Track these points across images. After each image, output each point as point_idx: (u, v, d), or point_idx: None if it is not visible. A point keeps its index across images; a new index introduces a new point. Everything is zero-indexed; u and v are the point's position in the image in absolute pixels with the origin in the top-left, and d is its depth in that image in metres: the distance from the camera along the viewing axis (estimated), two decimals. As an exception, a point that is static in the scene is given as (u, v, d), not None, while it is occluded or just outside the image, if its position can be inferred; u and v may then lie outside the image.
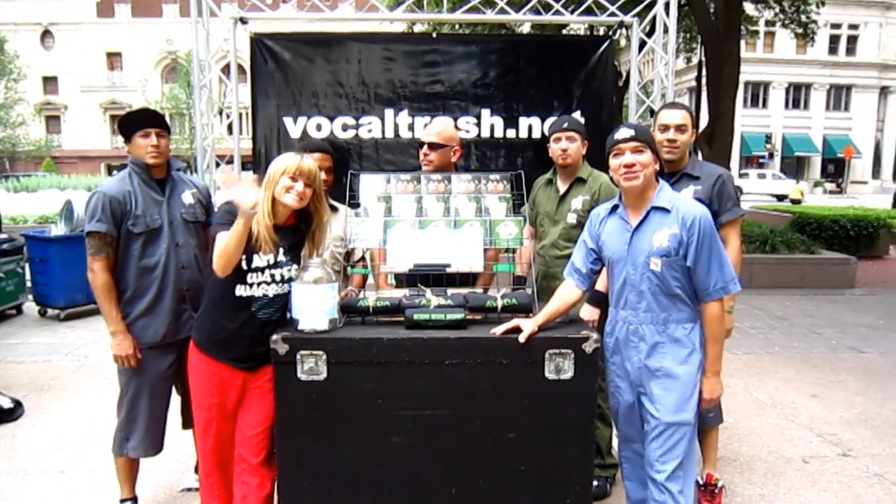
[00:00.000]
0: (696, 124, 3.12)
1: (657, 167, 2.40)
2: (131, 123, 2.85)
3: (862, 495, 3.43)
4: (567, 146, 3.21)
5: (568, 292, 2.57)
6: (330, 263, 2.90)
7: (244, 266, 2.40)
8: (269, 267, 2.44)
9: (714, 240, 2.34)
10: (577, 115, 4.13)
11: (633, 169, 2.33)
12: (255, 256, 2.41)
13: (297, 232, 2.55)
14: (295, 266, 2.51)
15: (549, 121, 4.22)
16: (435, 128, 3.24)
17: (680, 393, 2.38)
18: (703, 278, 2.34)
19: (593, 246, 2.57)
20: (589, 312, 3.03)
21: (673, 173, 3.05)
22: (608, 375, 2.63)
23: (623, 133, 2.37)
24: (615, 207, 2.51)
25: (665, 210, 2.36)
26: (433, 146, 3.16)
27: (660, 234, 2.34)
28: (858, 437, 4.15)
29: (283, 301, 2.51)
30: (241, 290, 2.42)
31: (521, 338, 2.34)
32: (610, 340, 2.57)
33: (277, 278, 2.47)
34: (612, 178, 2.55)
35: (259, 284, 2.44)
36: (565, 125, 3.24)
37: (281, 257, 2.46)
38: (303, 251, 2.56)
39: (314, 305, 2.38)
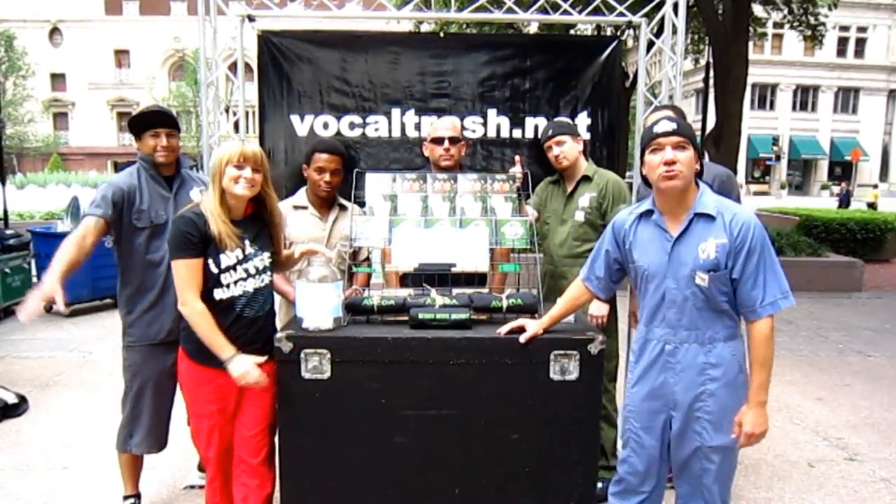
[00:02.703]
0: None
1: (698, 167, 2.12)
2: (142, 123, 2.85)
3: (868, 500, 3.40)
4: (559, 151, 3.23)
5: (578, 296, 2.47)
6: (336, 263, 2.90)
7: (214, 269, 2.33)
8: (240, 262, 2.37)
9: (767, 248, 2.06)
10: (583, 115, 4.12)
11: (674, 168, 2.03)
12: (223, 256, 2.33)
13: (259, 220, 2.48)
14: (266, 254, 2.45)
15: (554, 122, 4.22)
16: (448, 123, 3.31)
17: (729, 415, 2.14)
18: (749, 292, 2.06)
19: (617, 256, 2.33)
20: (598, 308, 3.01)
21: None
22: (632, 408, 2.32)
23: (664, 126, 2.08)
24: (648, 213, 2.21)
25: (710, 217, 2.09)
26: (453, 140, 3.21)
27: (706, 244, 2.07)
28: (865, 441, 4.13)
29: (266, 294, 2.46)
30: (219, 294, 2.36)
31: (522, 338, 2.32)
32: (637, 367, 2.28)
33: (252, 271, 2.40)
34: (644, 178, 2.25)
35: (236, 283, 2.37)
36: (550, 132, 3.27)
37: (249, 249, 2.39)
38: (272, 245, 2.51)
39: (318, 304, 2.38)
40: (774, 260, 2.09)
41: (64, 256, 2.61)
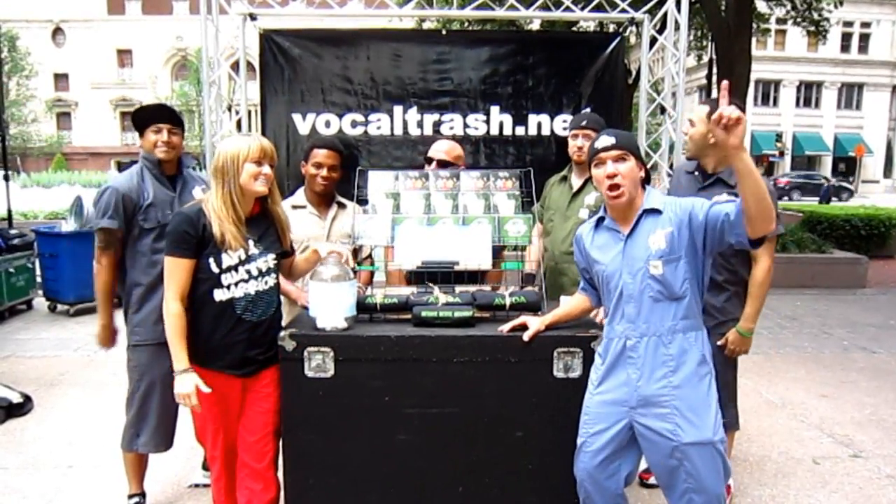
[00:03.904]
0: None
1: (643, 174, 2.24)
2: (144, 118, 2.85)
3: (873, 497, 3.39)
4: (583, 144, 3.18)
5: (578, 304, 2.49)
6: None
7: (215, 269, 2.28)
8: (242, 263, 2.31)
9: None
10: (586, 111, 4.12)
11: (615, 180, 2.15)
12: (224, 256, 2.27)
13: (264, 220, 2.43)
14: (271, 256, 2.40)
15: (559, 118, 4.21)
16: (444, 146, 3.25)
17: (698, 409, 2.12)
18: (722, 214, 2.05)
19: (585, 266, 2.40)
20: None
21: (706, 175, 2.93)
22: (587, 411, 2.29)
23: (603, 141, 2.19)
24: (601, 220, 2.32)
25: (657, 211, 2.18)
26: (442, 164, 3.17)
27: (654, 236, 2.15)
28: (870, 438, 4.11)
29: (270, 298, 2.41)
30: (219, 295, 2.30)
31: (526, 336, 2.32)
32: (601, 368, 2.26)
33: (254, 273, 2.35)
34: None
35: (237, 284, 2.31)
36: (583, 122, 3.21)
37: (253, 250, 2.34)
38: (279, 246, 2.47)
39: (333, 303, 2.36)
40: None
41: (103, 298, 2.90)
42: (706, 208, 2.11)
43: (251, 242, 2.34)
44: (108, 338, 2.97)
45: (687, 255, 2.14)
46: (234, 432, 2.46)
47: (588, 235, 2.36)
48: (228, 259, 2.29)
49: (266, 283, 2.39)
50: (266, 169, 2.29)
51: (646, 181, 2.28)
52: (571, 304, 2.50)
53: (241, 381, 2.40)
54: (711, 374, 2.19)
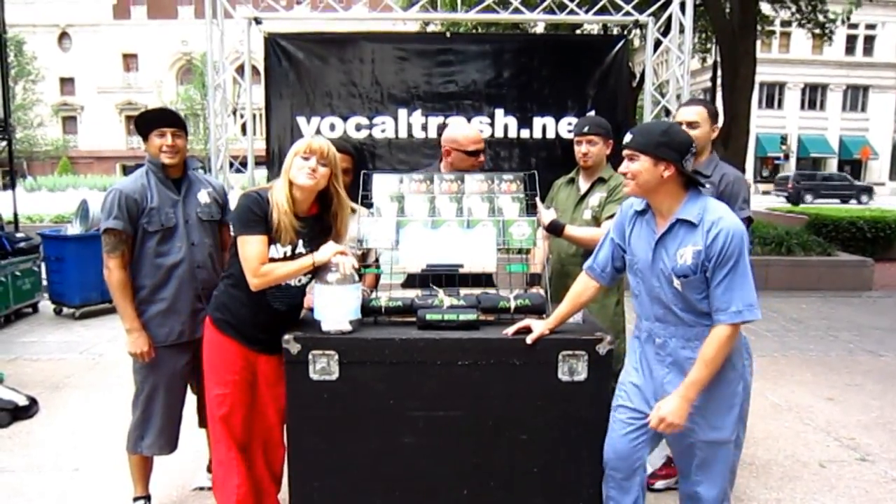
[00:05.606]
0: (714, 120, 2.99)
1: (668, 174, 2.14)
2: (147, 122, 2.86)
3: (880, 501, 3.37)
4: (587, 150, 3.19)
5: (581, 291, 2.47)
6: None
7: None
8: (286, 259, 2.41)
9: (741, 258, 2.10)
10: (590, 115, 4.12)
11: (627, 178, 2.22)
12: (273, 248, 2.39)
13: (319, 222, 2.53)
14: None
15: (564, 121, 4.21)
16: (471, 134, 3.19)
17: (714, 410, 2.20)
18: (719, 296, 2.11)
19: (621, 243, 2.38)
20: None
21: None
22: (619, 389, 2.42)
23: (625, 139, 2.24)
24: (644, 211, 2.31)
25: (691, 224, 2.14)
26: (475, 153, 3.16)
27: (684, 250, 2.14)
28: (876, 441, 4.09)
29: (298, 293, 2.54)
30: None
31: (529, 339, 2.32)
32: (634, 354, 2.40)
33: None
34: None
35: None
36: (585, 129, 3.21)
37: (300, 249, 2.45)
38: (331, 236, 2.57)
39: (338, 306, 2.37)
40: (746, 271, 2.13)
41: (120, 303, 2.81)
42: (715, 288, 2.11)
43: (301, 241, 2.45)
44: (143, 342, 2.79)
45: (704, 274, 2.14)
46: (242, 405, 2.55)
47: (632, 219, 2.35)
48: (275, 251, 2.40)
49: (300, 280, 2.51)
50: (311, 163, 2.37)
51: (690, 184, 2.20)
52: (572, 295, 2.48)
53: (256, 356, 2.53)
54: (739, 379, 2.25)
